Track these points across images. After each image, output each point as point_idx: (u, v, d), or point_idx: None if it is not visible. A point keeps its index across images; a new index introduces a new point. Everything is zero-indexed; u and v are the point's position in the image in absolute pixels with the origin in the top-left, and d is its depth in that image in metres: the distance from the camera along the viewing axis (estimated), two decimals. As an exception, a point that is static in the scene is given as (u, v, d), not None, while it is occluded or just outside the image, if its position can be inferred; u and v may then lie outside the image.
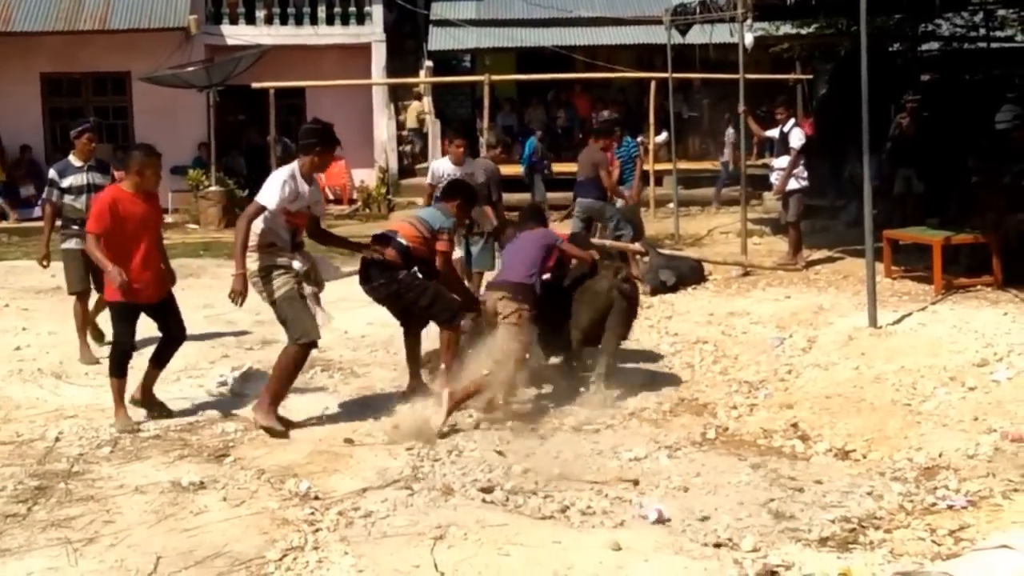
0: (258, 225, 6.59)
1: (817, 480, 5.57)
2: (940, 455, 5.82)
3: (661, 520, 4.96)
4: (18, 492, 5.53)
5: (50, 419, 6.89)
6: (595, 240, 9.93)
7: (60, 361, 8.44)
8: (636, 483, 5.52)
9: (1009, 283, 9.49)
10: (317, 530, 4.92)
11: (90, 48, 19.91)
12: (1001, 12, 18.26)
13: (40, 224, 9.71)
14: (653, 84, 17.28)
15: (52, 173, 8.74)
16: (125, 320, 6.84)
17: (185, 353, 8.58)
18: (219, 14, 20.84)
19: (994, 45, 18.71)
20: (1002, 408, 6.37)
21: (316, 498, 5.35)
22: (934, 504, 5.16)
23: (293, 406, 7.10)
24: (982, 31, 18.55)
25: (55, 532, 4.98)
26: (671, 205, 15.55)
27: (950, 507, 5.09)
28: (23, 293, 11.44)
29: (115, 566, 4.59)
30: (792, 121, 12.10)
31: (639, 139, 18.83)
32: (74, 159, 8.70)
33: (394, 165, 20.93)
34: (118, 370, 6.79)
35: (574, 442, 6.33)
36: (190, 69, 18.49)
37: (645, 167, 17.19)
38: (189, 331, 9.31)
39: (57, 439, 6.46)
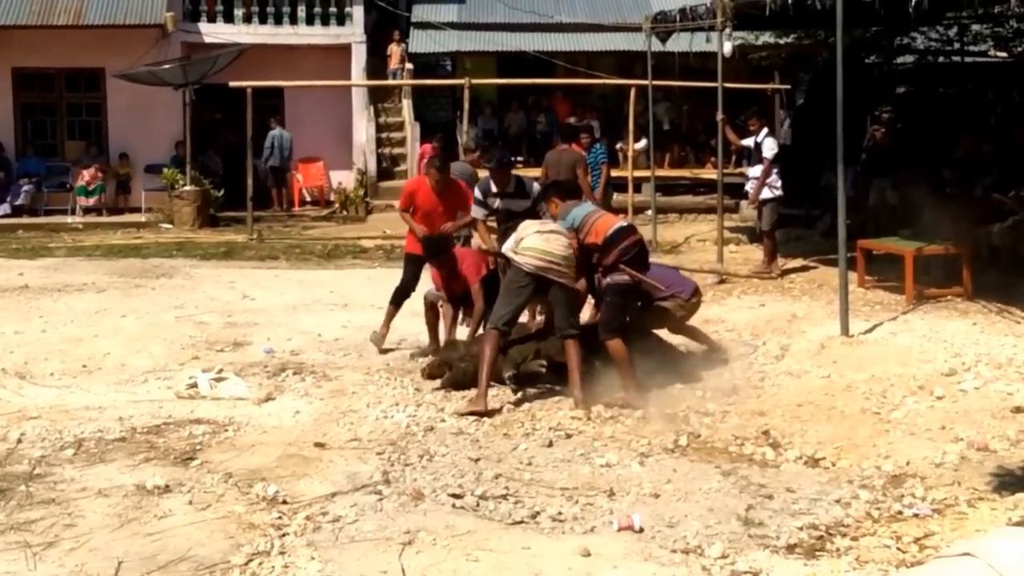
0: None
1: (787, 487, 5.58)
2: (908, 463, 5.87)
3: (631, 527, 4.95)
4: (-23, 494, 5.44)
5: (12, 420, 6.78)
6: None
7: (24, 361, 8.33)
8: (611, 494, 5.50)
9: (978, 294, 9.58)
10: (284, 535, 4.87)
11: (64, 43, 19.63)
12: (975, 27, 18.48)
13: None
14: (633, 91, 17.31)
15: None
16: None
17: (154, 354, 8.59)
18: (197, 12, 20.67)
19: (968, 59, 18.92)
20: (969, 417, 6.44)
21: (284, 502, 5.30)
22: (900, 512, 5.20)
23: (264, 410, 7.06)
24: (957, 45, 18.74)
25: (14, 535, 4.90)
26: (649, 212, 15.59)
27: (916, 515, 5.13)
28: (-11, 292, 11.29)
29: (75, 570, 4.53)
30: (765, 130, 12.16)
31: (618, 145, 18.96)
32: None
33: (373, 167, 20.85)
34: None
35: (546, 448, 6.31)
36: (166, 67, 18.37)
37: (624, 174, 17.32)
38: (157, 332, 9.32)
39: (19, 440, 6.36)
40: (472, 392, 7.17)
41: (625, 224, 7.69)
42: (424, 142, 18.33)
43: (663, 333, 8.16)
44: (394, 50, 21.31)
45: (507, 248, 7.36)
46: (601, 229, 7.40)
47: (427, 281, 8.84)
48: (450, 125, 21.28)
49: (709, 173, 19.04)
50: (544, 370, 7.54)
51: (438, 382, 7.65)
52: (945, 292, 9.84)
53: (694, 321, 8.37)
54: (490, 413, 6.95)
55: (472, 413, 6.93)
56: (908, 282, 9.76)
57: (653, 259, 8.28)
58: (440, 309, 8.59)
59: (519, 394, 7.39)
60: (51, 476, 5.75)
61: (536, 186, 8.71)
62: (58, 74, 20.59)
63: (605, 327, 7.36)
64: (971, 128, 12.26)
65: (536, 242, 7.22)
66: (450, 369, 7.63)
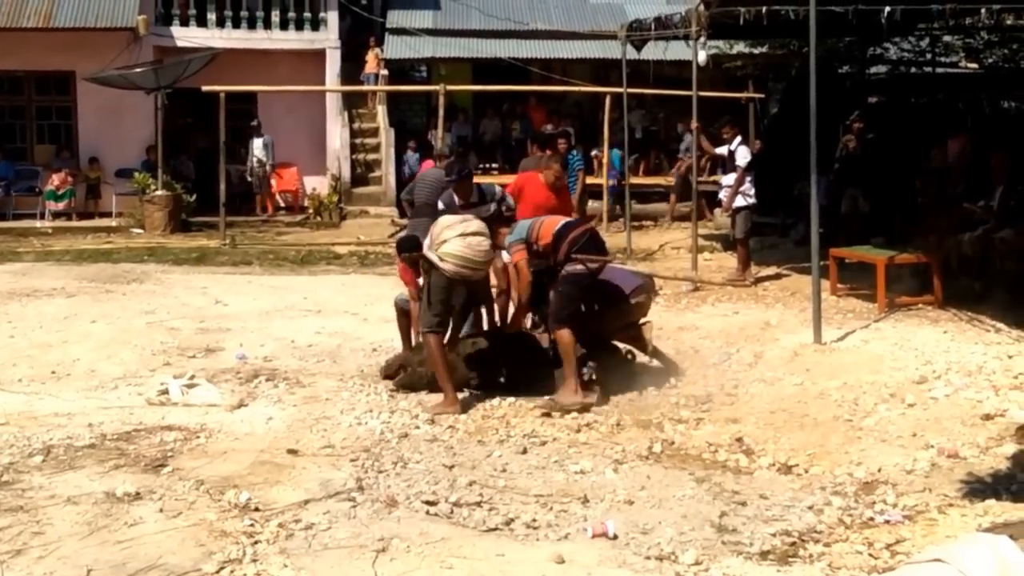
0: None
1: (760, 494, 5.60)
2: (879, 470, 5.91)
3: (606, 534, 4.95)
4: (-56, 502, 5.36)
5: (-20, 427, 6.69)
6: None
7: (-8, 367, 8.24)
8: (585, 500, 5.50)
9: (949, 302, 9.67)
10: (256, 542, 4.84)
11: (34, 45, 19.39)
12: (947, 38, 18.72)
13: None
14: (608, 98, 17.36)
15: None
16: None
17: (124, 360, 8.51)
18: (169, 15, 20.53)
19: (939, 70, 19.13)
20: (939, 424, 6.49)
21: (256, 509, 5.26)
22: (872, 518, 5.23)
23: (236, 416, 7.02)
24: (928, 56, 18.95)
25: (-19, 543, 4.83)
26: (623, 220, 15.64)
27: (887, 521, 5.16)
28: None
29: (44, 578, 4.48)
30: (739, 139, 12.22)
31: (593, 152, 18.99)
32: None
33: (347, 173, 20.80)
34: None
35: (520, 455, 6.31)
36: (138, 70, 18.21)
37: (599, 181, 17.37)
38: (128, 338, 9.24)
39: (-13, 447, 6.28)
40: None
41: (571, 219, 7.78)
42: (426, 159, 18.18)
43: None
44: (370, 56, 21.29)
45: (428, 250, 7.35)
46: (548, 228, 7.57)
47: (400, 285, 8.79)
48: (422, 131, 21.31)
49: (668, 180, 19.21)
50: (504, 380, 7.58)
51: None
52: (916, 300, 9.92)
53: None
54: (464, 411, 7.06)
55: (444, 414, 7.00)
56: (880, 290, 9.83)
57: (626, 266, 8.29)
58: (413, 315, 8.55)
59: (495, 400, 7.39)
60: (19, 483, 5.67)
61: (498, 189, 8.73)
62: (27, 77, 20.38)
63: (555, 316, 7.43)
64: (959, 133, 12.33)
65: (457, 248, 7.23)
66: (405, 371, 7.65)
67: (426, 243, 7.41)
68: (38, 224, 18.64)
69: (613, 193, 17.57)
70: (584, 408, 7.16)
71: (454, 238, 7.24)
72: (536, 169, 10.06)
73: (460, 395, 7.32)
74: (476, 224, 7.39)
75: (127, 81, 18.13)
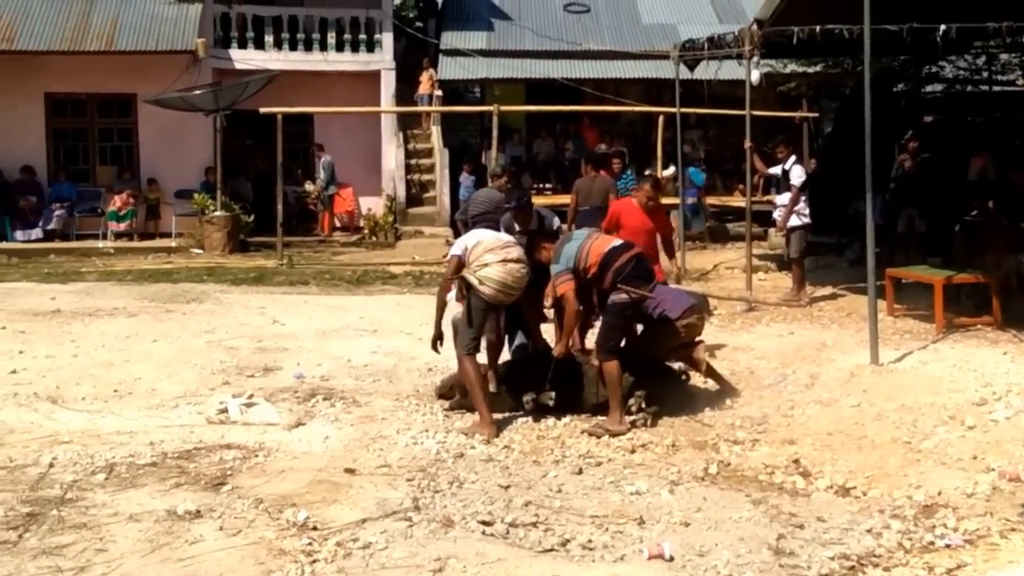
0: None
1: (818, 517, 5.56)
2: (939, 493, 5.83)
3: (662, 556, 4.94)
4: (9, 519, 5.44)
5: (44, 444, 6.81)
6: None
7: (56, 386, 8.37)
8: (641, 522, 5.49)
9: (1008, 323, 9.54)
10: (314, 561, 4.88)
11: (96, 69, 19.91)
12: (1003, 56, 18.47)
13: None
14: (661, 118, 17.36)
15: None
16: None
17: (185, 379, 8.64)
18: (228, 38, 20.93)
19: (996, 88, 18.88)
20: (1000, 447, 6.40)
21: (314, 528, 5.31)
22: (932, 542, 5.16)
23: (294, 435, 7.10)
24: (984, 74, 18.73)
25: (46, 560, 4.91)
26: (677, 239, 15.59)
27: (948, 546, 5.09)
28: (21, 315, 11.36)
29: (108, 595, 4.56)
30: (793, 158, 12.16)
31: (646, 172, 18.98)
32: None
33: (402, 193, 20.99)
34: None
35: (576, 475, 6.31)
36: (197, 92, 18.58)
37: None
38: (188, 357, 9.39)
39: (51, 465, 6.38)
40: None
41: (619, 243, 7.72)
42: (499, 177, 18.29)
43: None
44: (423, 77, 21.49)
45: (467, 272, 7.35)
46: (596, 254, 7.46)
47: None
48: (477, 151, 21.44)
49: (737, 201, 19.05)
50: (552, 403, 7.55)
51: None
52: (975, 321, 9.79)
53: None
54: (497, 434, 7.06)
55: (478, 434, 7.03)
56: (938, 311, 9.72)
57: (681, 286, 8.24)
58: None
59: (550, 420, 7.41)
60: (83, 501, 5.76)
61: (556, 220, 8.73)
62: (90, 99, 20.89)
63: (601, 346, 7.39)
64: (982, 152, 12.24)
65: (497, 273, 7.25)
66: (461, 391, 7.67)
67: (468, 268, 7.38)
68: (100, 244, 19.03)
69: (691, 211, 17.52)
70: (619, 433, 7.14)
71: (495, 263, 7.28)
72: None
73: (496, 416, 7.33)
74: (517, 251, 7.42)
75: (187, 103, 18.49)
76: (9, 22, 19.81)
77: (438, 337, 7.48)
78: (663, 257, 9.53)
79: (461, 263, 7.41)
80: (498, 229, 8.03)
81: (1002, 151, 13.83)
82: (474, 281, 7.26)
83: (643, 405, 7.38)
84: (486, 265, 7.27)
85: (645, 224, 9.10)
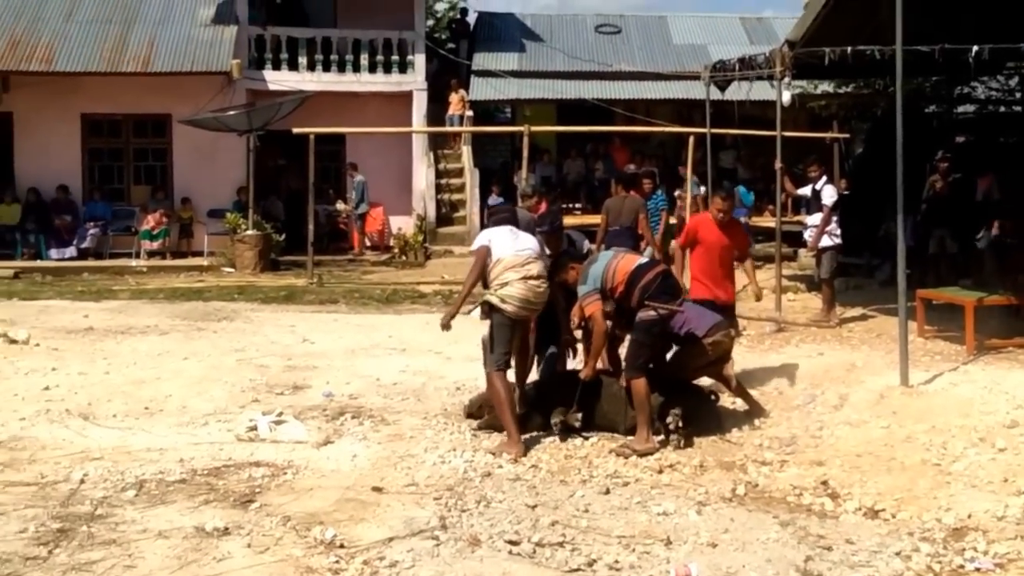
0: None
1: (846, 539, 5.53)
2: (969, 516, 5.78)
3: (687, 576, 4.93)
4: (40, 534, 5.50)
5: (75, 461, 6.87)
6: None
7: (88, 402, 8.44)
8: (668, 542, 5.48)
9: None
10: (342, 578, 4.92)
11: (132, 89, 20.17)
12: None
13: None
14: (692, 139, 17.37)
15: None
16: None
17: (215, 397, 8.70)
18: (262, 59, 21.16)
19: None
20: (1032, 470, 6.32)
21: (341, 546, 5.34)
22: (962, 566, 5.12)
23: (322, 453, 7.13)
24: (1017, 95, 18.61)
25: (75, 576, 4.98)
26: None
27: (978, 569, 5.06)
28: (54, 333, 11.48)
29: (137, 610, 4.60)
30: (824, 179, 12.12)
31: (676, 192, 18.98)
32: None
33: (432, 213, 21.09)
34: None
35: (603, 495, 6.31)
36: (231, 113, 18.79)
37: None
38: (218, 375, 9.46)
39: (81, 481, 6.44)
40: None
41: (645, 261, 7.73)
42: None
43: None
44: (454, 97, 21.61)
45: (490, 294, 7.36)
46: (623, 272, 7.46)
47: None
48: (507, 171, 21.50)
49: (767, 221, 18.99)
50: (579, 424, 7.55)
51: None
52: (1006, 343, 9.72)
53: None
54: (525, 453, 7.05)
55: (506, 453, 7.03)
56: (969, 332, 9.65)
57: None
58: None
59: (578, 440, 7.41)
60: (112, 517, 5.81)
61: (587, 243, 8.74)
62: (125, 120, 21.14)
63: (630, 365, 7.39)
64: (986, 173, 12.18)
65: (518, 290, 7.28)
66: (489, 411, 7.68)
67: (490, 288, 7.40)
68: (133, 263, 19.22)
69: None
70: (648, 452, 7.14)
71: (516, 280, 7.30)
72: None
73: (524, 435, 7.33)
74: (538, 268, 7.43)
75: (221, 123, 18.68)
76: (47, 44, 20.14)
77: (452, 317, 7.54)
78: (743, 274, 9.37)
79: (488, 252, 7.46)
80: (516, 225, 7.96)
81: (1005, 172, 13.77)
82: (496, 300, 7.30)
83: (680, 424, 7.36)
84: (507, 284, 7.30)
85: (721, 240, 8.93)
